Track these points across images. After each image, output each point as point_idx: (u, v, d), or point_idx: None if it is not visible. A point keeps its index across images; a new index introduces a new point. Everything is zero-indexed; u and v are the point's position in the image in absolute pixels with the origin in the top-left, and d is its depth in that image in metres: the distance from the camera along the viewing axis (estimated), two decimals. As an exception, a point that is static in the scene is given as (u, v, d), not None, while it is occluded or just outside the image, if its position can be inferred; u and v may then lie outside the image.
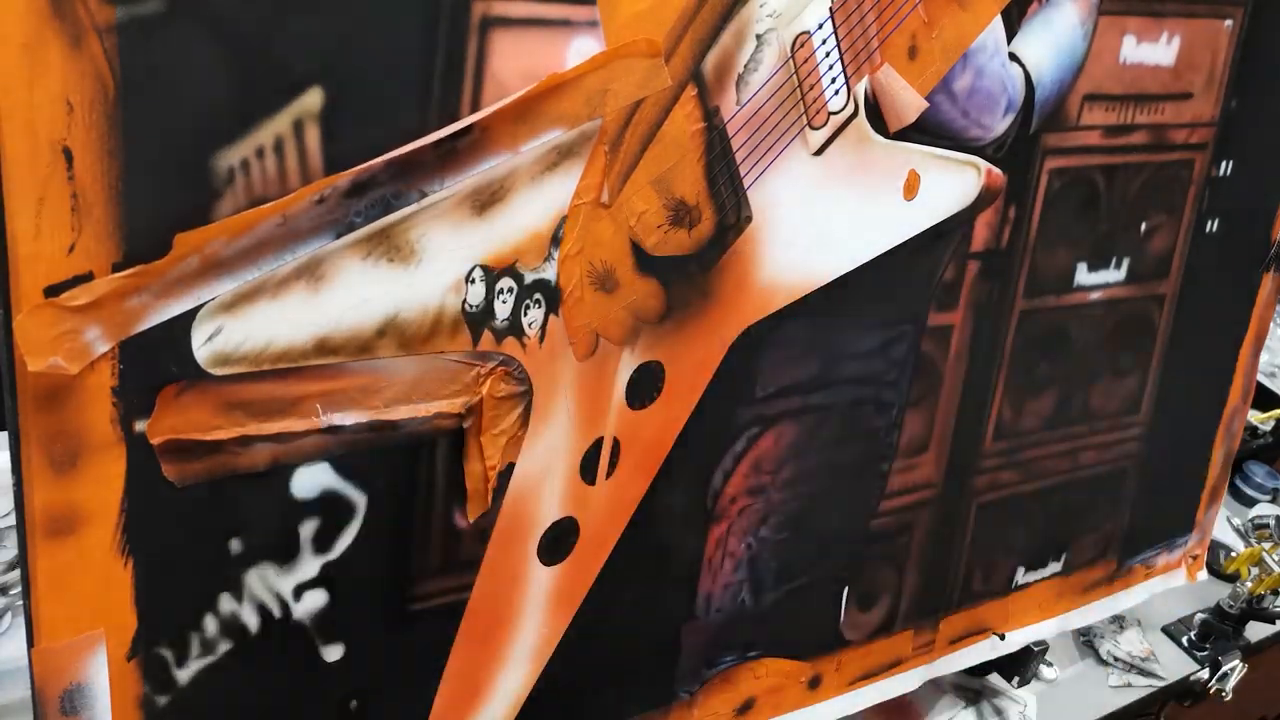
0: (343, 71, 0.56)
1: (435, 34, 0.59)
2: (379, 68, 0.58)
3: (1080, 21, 0.88)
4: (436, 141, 0.60)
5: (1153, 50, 0.94)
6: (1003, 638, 1.17)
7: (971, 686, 1.34)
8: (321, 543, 0.67)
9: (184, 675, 0.65)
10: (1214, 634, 1.50)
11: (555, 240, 0.67)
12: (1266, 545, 1.51)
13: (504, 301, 0.67)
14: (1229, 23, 0.99)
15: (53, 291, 0.52)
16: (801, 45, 0.72)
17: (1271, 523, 1.54)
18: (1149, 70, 0.95)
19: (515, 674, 0.80)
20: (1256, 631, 1.53)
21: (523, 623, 0.79)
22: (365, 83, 0.57)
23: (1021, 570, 1.16)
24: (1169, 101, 0.98)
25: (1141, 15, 0.92)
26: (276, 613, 0.67)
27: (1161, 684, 1.42)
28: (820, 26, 0.73)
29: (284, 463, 0.63)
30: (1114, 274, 1.04)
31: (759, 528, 0.90)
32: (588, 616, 0.82)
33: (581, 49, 0.63)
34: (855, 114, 0.77)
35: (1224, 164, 1.06)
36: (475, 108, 0.61)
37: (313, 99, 0.56)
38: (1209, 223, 1.09)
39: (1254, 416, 1.80)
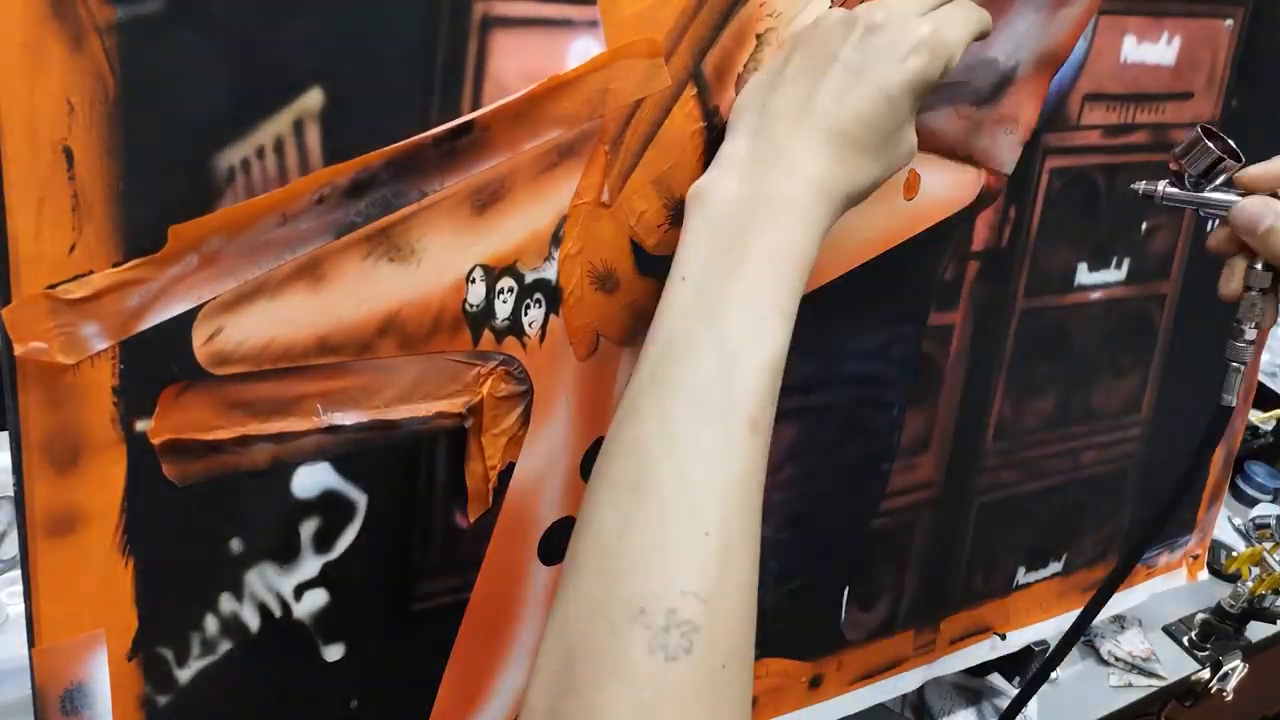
0: (343, 71, 0.57)
1: (436, 34, 0.59)
2: (379, 67, 0.58)
3: (1081, 21, 0.88)
4: (436, 140, 0.60)
5: (1153, 50, 0.94)
6: (1004, 637, 1.17)
7: (972, 686, 1.34)
8: (322, 542, 0.67)
9: (185, 675, 0.65)
10: (1215, 634, 1.50)
11: (555, 240, 0.67)
12: (1267, 545, 1.51)
13: (504, 301, 0.67)
14: (1229, 22, 0.99)
15: (53, 292, 0.52)
16: (802, 45, 0.72)
17: (1272, 522, 1.54)
18: (1149, 70, 0.95)
19: (517, 674, 0.80)
20: (1257, 631, 1.53)
21: (524, 623, 0.79)
22: (365, 83, 0.57)
23: (1022, 570, 1.16)
24: (1170, 101, 0.98)
25: (1141, 15, 0.92)
26: (277, 612, 0.67)
27: (1162, 684, 1.42)
28: (820, 26, 0.72)
29: (284, 462, 0.63)
30: (1115, 274, 1.04)
31: (759, 527, 0.90)
32: (588, 616, 0.81)
33: (582, 49, 0.63)
34: (855, 114, 0.77)
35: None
36: (475, 108, 0.61)
37: (313, 99, 0.56)
38: (1210, 223, 1.09)
39: (1254, 416, 1.80)
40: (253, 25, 0.53)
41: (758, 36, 0.70)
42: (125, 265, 0.53)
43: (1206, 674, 1.46)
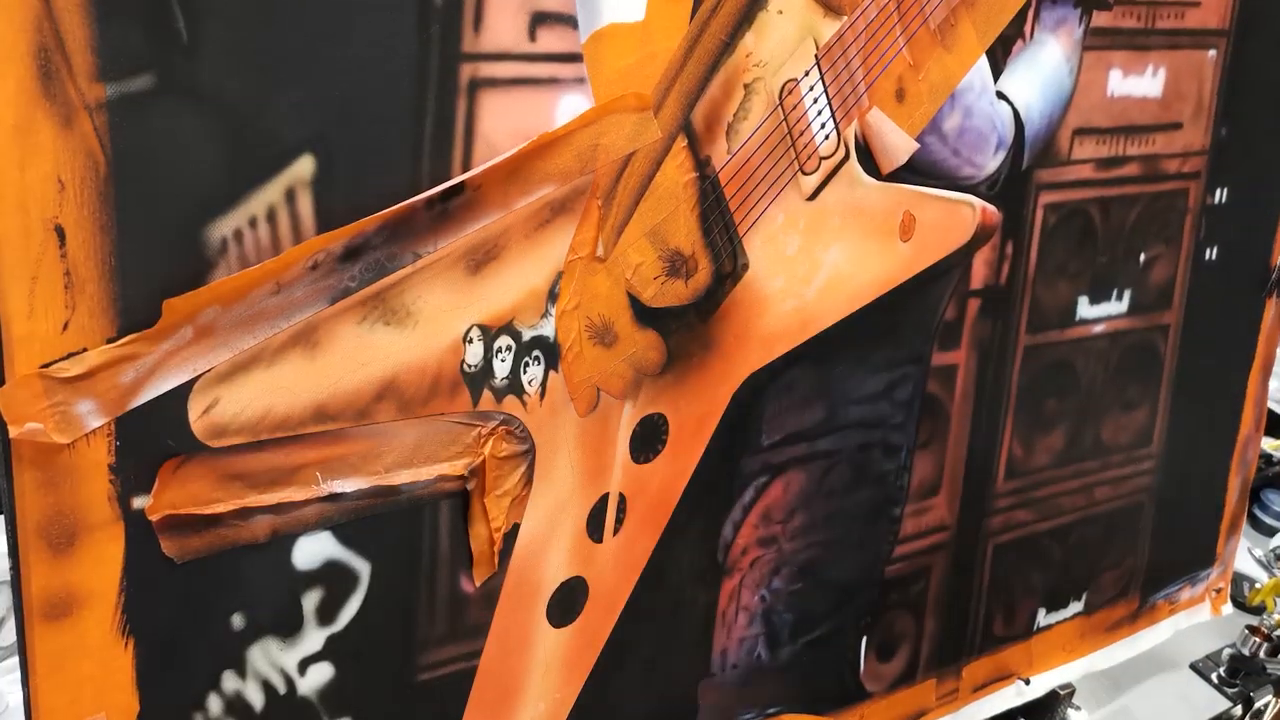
0: (333, 138, 0.57)
1: (424, 98, 0.59)
2: (369, 133, 0.58)
3: (1065, 57, 0.89)
4: (429, 202, 0.60)
5: (1139, 82, 0.95)
6: (1028, 682, 1.15)
7: (999, 735, 1.31)
8: (325, 614, 0.66)
9: (189, 758, 0.63)
10: (1244, 669, 1.46)
11: (552, 296, 0.67)
12: (1291, 574, 1.48)
13: (502, 360, 0.66)
14: (1213, 53, 1.00)
15: (47, 370, 0.52)
16: (789, 93, 0.73)
17: (1294, 551, 1.52)
18: (1137, 102, 0.96)
19: (529, 742, 0.78)
20: (1287, 664, 1.50)
21: (534, 689, 0.77)
22: (356, 149, 0.58)
23: (1043, 611, 1.14)
24: (1159, 132, 0.99)
25: (1126, 49, 0.93)
26: (281, 689, 0.65)
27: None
28: (807, 74, 0.73)
29: (285, 533, 0.62)
30: (1116, 306, 1.04)
31: (772, 579, 0.89)
32: (601, 679, 0.80)
33: (570, 106, 0.63)
34: (847, 158, 0.78)
35: (1219, 191, 1.07)
36: (466, 169, 0.61)
37: (304, 166, 0.56)
38: (1208, 251, 1.09)
39: (1268, 444, 1.78)
40: (242, 97, 0.54)
41: (745, 86, 0.71)
42: (119, 341, 0.53)
43: (1239, 710, 1.43)
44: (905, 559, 0.98)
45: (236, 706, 0.64)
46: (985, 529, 1.04)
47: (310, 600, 0.65)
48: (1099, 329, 1.04)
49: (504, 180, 0.62)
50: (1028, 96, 0.88)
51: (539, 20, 0.61)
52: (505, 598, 0.73)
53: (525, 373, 0.67)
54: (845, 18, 0.74)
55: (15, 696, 1.03)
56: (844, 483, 0.90)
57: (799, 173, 0.76)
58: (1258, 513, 1.85)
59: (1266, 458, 1.79)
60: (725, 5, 0.68)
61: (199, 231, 0.54)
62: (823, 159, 0.76)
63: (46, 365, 0.52)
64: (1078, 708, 1.36)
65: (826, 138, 0.76)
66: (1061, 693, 1.26)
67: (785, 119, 0.73)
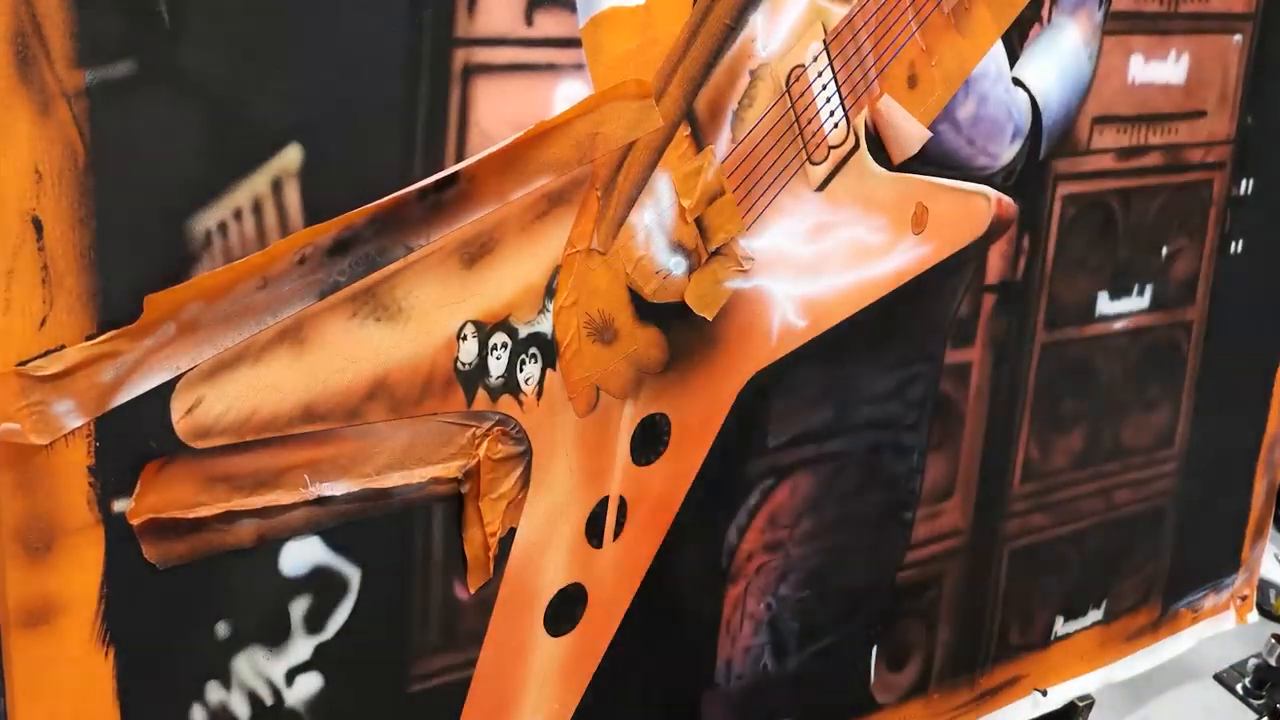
0: (322, 127, 0.56)
1: (416, 85, 0.58)
2: (359, 122, 0.57)
3: (1084, 43, 0.88)
4: (421, 193, 0.58)
5: (1162, 69, 0.94)
6: (1044, 693, 1.13)
7: (1016, 746, 1.30)
8: (314, 622, 0.64)
9: (171, 772, 0.62)
10: (1270, 679, 1.44)
11: (550, 291, 0.66)
12: (1317, 581, 1.46)
13: (498, 358, 0.65)
14: (1238, 38, 0.99)
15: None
16: (797, 79, 0.72)
17: (1320, 557, 1.50)
18: (1159, 89, 0.95)
19: (528, 754, 0.77)
20: (1315, 673, 1.48)
21: (531, 700, 0.76)
22: (345, 138, 0.57)
23: (1060, 620, 1.13)
24: (1182, 120, 0.98)
25: (1148, 34, 0.92)
26: (268, 700, 0.64)
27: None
28: (815, 59, 0.72)
29: (271, 538, 0.61)
30: (1137, 301, 1.03)
31: (778, 586, 0.88)
32: (600, 690, 0.79)
33: (568, 93, 0.63)
34: (856, 147, 0.77)
35: (1244, 182, 1.06)
36: (460, 159, 0.60)
37: (291, 156, 0.55)
38: (1233, 244, 1.08)
39: (1291, 447, 1.76)
40: (226, 84, 0.53)
41: (751, 72, 0.70)
42: (99, 338, 0.52)
43: (1264, 722, 1.41)
44: (917, 565, 0.97)
45: (221, 718, 0.63)
46: (1000, 534, 1.03)
47: (298, 607, 0.64)
48: (1119, 325, 1.03)
49: (499, 171, 0.61)
50: (1045, 83, 0.87)
51: (536, 3, 0.60)
52: (501, 605, 0.71)
53: (522, 371, 0.66)
54: (854, 1, 0.73)
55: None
56: (853, 486, 0.89)
57: (807, 162, 0.75)
58: (1282, 517, 1.83)
59: (1291, 461, 1.77)
60: (729, -12, 0.67)
61: (182, 224, 0.53)
62: (831, 148, 0.76)
63: (23, 363, 0.51)
64: None
65: (835, 126, 0.75)
66: (1080, 704, 1.24)
67: (792, 106, 0.72)
